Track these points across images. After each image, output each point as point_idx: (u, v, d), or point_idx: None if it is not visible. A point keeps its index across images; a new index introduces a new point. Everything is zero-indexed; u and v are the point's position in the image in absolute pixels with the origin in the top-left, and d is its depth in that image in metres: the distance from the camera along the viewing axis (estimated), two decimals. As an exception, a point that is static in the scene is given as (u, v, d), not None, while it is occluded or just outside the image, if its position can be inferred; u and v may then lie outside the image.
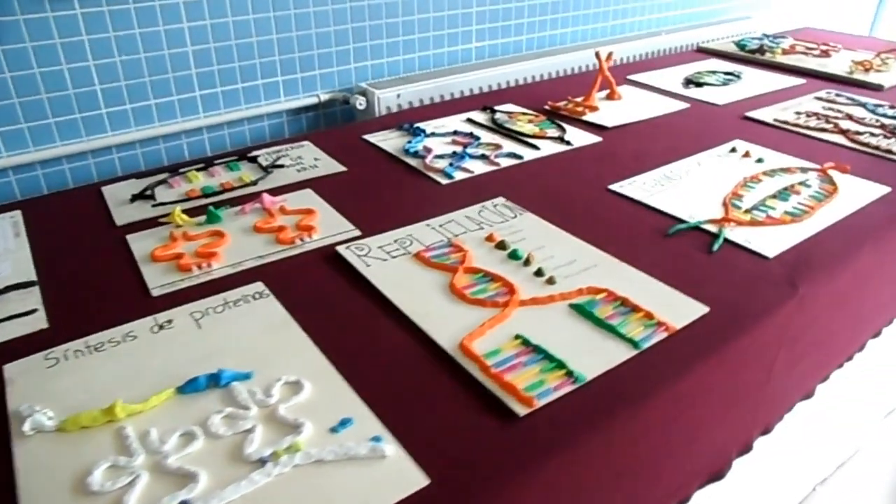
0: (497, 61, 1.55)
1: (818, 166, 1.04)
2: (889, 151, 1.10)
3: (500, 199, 0.93)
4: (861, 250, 0.84)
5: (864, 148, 1.12)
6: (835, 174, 1.01)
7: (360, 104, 1.35)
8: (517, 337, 0.64)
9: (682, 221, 0.87)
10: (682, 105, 1.33)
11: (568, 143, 1.13)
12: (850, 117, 1.26)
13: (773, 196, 0.94)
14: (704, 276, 0.75)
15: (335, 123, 1.43)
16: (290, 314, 0.68)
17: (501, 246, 0.80)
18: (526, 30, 1.63)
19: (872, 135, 1.17)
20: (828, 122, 1.23)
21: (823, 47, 1.71)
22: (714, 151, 1.10)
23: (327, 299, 0.72)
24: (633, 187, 0.97)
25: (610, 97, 1.35)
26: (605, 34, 1.81)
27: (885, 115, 1.27)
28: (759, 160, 1.06)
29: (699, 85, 1.44)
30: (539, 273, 0.75)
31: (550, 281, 0.74)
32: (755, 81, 1.48)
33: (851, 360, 0.96)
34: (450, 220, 0.87)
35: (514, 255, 0.78)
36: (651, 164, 1.04)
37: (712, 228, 0.85)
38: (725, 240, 0.82)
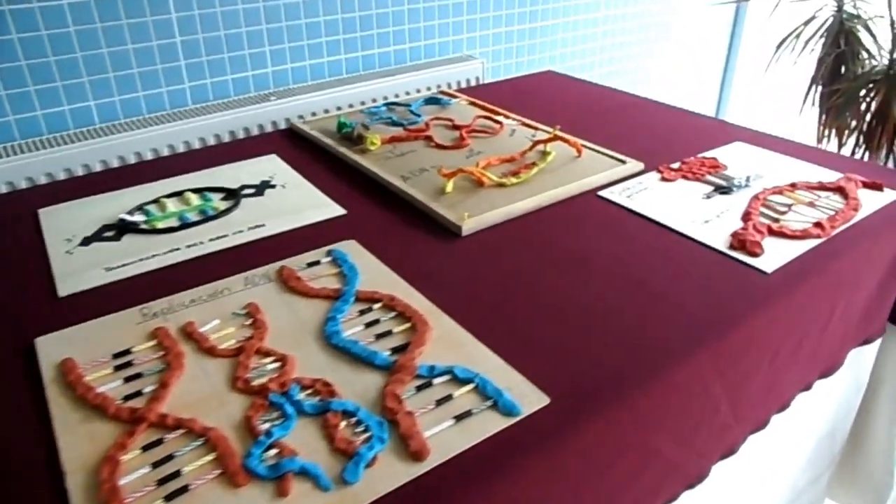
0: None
1: None
2: None
3: None
4: None
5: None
6: None
7: None
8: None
9: None
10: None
11: None
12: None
13: None
14: None
15: None
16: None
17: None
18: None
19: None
20: (162, 385, 0.50)
21: (483, 123, 0.96)
22: None
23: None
24: None
25: None
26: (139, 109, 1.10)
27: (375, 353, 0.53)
28: None
29: (88, 242, 0.71)
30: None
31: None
32: (241, 223, 0.74)
33: None
34: None
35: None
36: None
37: None
38: None
